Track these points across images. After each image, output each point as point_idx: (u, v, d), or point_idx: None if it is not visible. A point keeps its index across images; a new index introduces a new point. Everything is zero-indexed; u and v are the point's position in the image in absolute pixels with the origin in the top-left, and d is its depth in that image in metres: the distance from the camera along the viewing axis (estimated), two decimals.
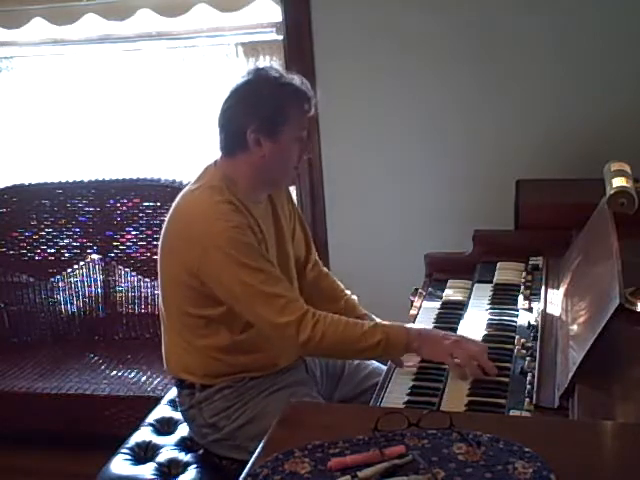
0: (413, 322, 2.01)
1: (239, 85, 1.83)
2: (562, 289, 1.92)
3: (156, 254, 1.92)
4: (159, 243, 1.90)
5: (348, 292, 2.15)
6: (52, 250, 3.19)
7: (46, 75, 3.24)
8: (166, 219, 1.88)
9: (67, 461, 2.76)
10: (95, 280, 3.18)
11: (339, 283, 2.16)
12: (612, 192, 1.88)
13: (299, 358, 1.98)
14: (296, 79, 1.84)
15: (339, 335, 1.74)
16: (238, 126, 1.81)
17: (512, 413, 1.47)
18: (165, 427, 2.10)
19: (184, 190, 1.89)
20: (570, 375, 1.43)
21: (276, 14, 2.84)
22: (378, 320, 1.94)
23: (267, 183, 1.90)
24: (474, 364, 1.65)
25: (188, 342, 1.89)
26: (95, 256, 3.17)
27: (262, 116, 1.78)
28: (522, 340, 1.73)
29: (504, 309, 1.96)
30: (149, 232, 3.07)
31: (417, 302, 2.13)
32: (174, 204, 1.88)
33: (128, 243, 3.11)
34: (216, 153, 1.91)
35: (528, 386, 1.54)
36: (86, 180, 3.15)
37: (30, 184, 3.21)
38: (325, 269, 2.19)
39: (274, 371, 1.91)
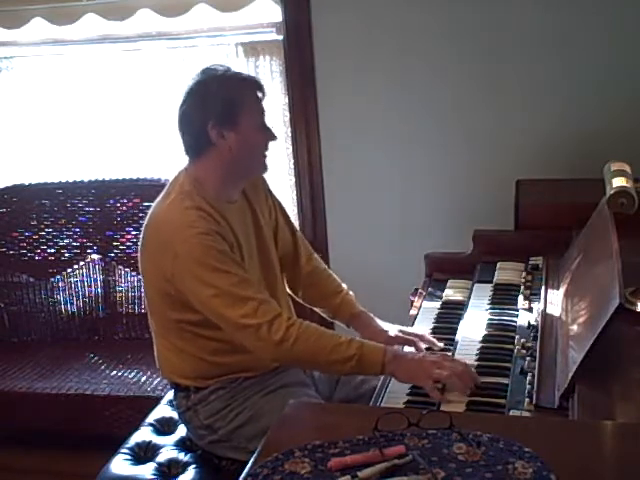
0: (412, 323, 2.01)
1: (190, 87, 1.85)
2: (562, 289, 1.92)
3: None
4: (138, 252, 1.90)
5: (345, 288, 2.11)
6: (52, 250, 3.20)
7: (46, 75, 3.24)
8: (142, 227, 1.88)
9: (67, 461, 2.76)
10: (95, 280, 3.18)
11: (336, 278, 2.13)
12: (612, 192, 1.88)
13: None
14: (242, 72, 1.91)
15: (312, 342, 1.72)
16: (198, 125, 1.82)
17: (512, 413, 1.47)
18: (165, 427, 2.09)
19: (158, 198, 1.89)
20: (570, 375, 1.43)
21: (276, 14, 2.84)
22: (362, 337, 1.87)
23: (238, 176, 1.89)
24: (457, 382, 1.61)
25: (175, 346, 1.89)
26: (95, 256, 3.17)
27: (218, 109, 1.80)
28: (522, 340, 1.74)
29: (504, 309, 1.96)
30: None
31: (417, 302, 2.13)
32: (149, 212, 1.88)
33: (128, 243, 3.12)
34: (183, 159, 1.91)
35: (528, 386, 1.54)
36: (86, 180, 3.15)
37: (30, 184, 3.21)
38: (323, 265, 2.16)
39: (268, 371, 1.91)
